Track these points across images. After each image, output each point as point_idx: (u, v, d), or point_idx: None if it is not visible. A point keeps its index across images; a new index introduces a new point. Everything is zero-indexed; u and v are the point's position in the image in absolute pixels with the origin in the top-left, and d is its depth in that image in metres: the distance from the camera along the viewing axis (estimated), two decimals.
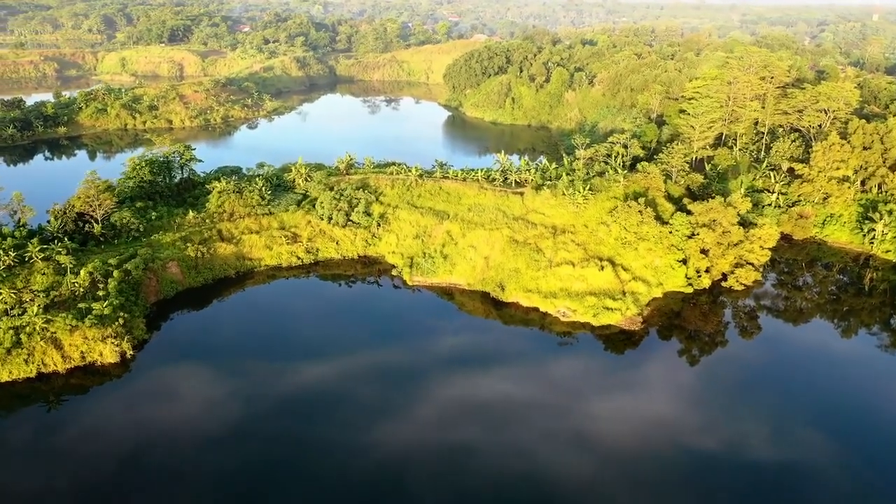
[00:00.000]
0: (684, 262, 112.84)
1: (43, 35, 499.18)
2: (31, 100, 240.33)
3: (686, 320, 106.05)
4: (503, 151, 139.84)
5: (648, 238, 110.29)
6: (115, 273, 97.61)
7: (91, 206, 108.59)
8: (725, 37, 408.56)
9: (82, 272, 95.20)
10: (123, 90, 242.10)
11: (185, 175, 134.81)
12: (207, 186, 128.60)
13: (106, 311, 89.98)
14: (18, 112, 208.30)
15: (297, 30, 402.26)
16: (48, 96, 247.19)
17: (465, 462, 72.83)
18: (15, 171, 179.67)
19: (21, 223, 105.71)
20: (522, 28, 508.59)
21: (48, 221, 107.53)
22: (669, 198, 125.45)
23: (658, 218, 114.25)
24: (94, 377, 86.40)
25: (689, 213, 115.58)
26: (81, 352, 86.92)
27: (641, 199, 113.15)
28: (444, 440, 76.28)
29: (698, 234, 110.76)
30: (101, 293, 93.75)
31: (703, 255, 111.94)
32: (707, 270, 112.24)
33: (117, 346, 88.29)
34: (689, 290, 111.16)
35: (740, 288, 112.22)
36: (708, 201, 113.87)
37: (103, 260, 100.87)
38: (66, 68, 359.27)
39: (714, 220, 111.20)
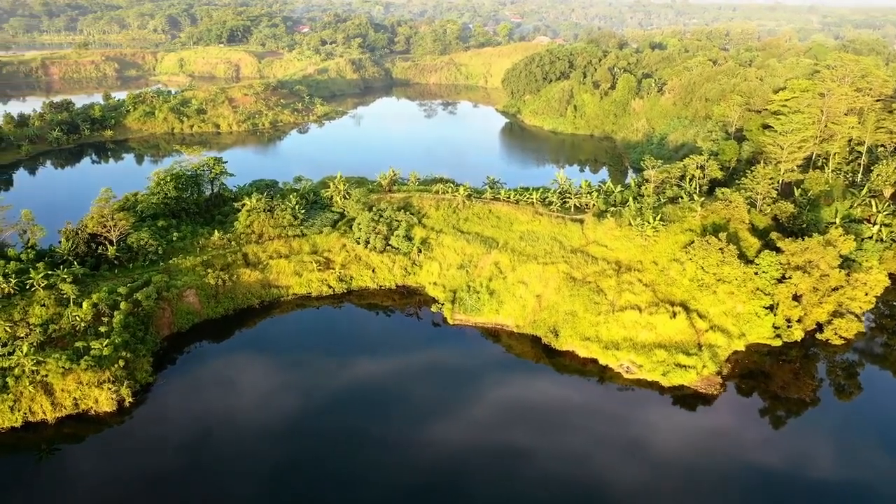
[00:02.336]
0: (771, 308, 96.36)
1: (110, 35, 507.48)
2: (91, 100, 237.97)
3: (775, 382, 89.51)
4: (563, 170, 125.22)
5: (730, 280, 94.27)
6: (123, 305, 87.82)
7: (105, 226, 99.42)
8: (806, 40, 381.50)
9: (85, 304, 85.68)
10: (172, 93, 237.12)
11: (214, 190, 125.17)
12: (236, 205, 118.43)
13: (105, 352, 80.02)
14: (66, 115, 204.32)
15: (355, 31, 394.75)
16: (118, 95, 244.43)
17: None
18: (57, 176, 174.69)
19: (29, 244, 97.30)
20: (587, 30, 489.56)
21: (60, 242, 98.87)
22: (754, 230, 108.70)
23: (741, 255, 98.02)
24: (86, 427, 76.37)
25: (778, 250, 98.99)
26: (74, 398, 77.14)
27: (723, 235, 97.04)
28: None
29: (790, 278, 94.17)
30: (103, 329, 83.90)
31: (795, 302, 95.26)
32: (799, 320, 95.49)
33: (115, 392, 78.13)
34: (778, 342, 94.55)
35: (839, 342, 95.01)
36: (804, 238, 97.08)
37: (112, 288, 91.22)
38: (126, 68, 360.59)
39: (810, 262, 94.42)
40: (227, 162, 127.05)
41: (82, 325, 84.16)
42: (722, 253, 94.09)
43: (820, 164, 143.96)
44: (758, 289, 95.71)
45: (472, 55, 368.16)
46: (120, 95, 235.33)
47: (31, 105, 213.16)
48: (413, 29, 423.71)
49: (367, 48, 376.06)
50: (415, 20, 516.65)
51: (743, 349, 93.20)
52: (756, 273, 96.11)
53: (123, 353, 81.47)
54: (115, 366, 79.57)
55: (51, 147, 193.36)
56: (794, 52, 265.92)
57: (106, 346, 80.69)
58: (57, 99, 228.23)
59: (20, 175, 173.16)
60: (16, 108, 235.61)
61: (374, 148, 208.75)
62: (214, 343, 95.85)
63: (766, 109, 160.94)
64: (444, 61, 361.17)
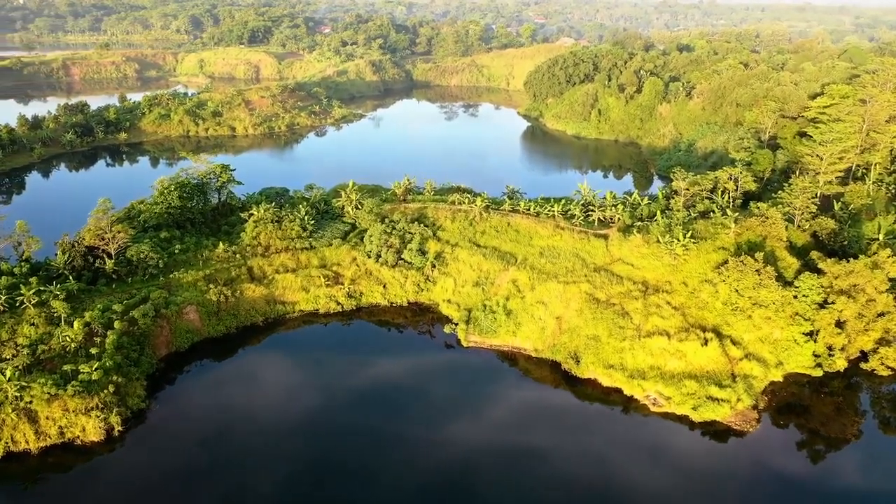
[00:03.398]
0: (811, 334, 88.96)
1: (133, 35, 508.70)
2: (110, 101, 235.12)
3: (816, 416, 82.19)
4: (585, 180, 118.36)
5: (767, 304, 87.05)
6: (117, 324, 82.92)
7: (103, 239, 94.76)
8: (839, 42, 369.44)
9: (76, 324, 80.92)
10: (189, 95, 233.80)
11: (222, 198, 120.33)
12: (242, 215, 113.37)
13: (95, 376, 75.08)
14: (81, 117, 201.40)
15: (376, 32, 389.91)
16: (134, 97, 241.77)
17: None
18: (67, 180, 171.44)
19: (24, 257, 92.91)
20: (612, 31, 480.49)
21: (56, 255, 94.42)
22: (791, 247, 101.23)
23: (779, 277, 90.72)
24: (72, 458, 71.46)
25: (819, 271, 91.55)
26: (60, 427, 72.23)
27: (759, 254, 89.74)
28: None
29: (833, 304, 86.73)
30: (94, 350, 79.01)
31: (838, 329, 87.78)
32: (842, 348, 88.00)
33: (103, 419, 73.16)
34: (818, 372, 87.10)
35: (886, 372, 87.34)
36: (847, 260, 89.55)
37: (107, 306, 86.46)
38: (147, 69, 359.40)
39: (855, 286, 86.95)
40: (234, 169, 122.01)
41: (72, 346, 79.38)
42: (759, 275, 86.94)
43: (860, 174, 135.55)
44: (797, 314, 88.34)
45: (494, 56, 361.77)
46: (137, 97, 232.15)
47: (51, 106, 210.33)
48: (435, 30, 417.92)
49: (387, 49, 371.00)
50: (437, 21, 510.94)
51: (780, 379, 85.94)
52: (795, 297, 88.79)
53: (114, 377, 76.43)
54: (105, 391, 74.58)
55: (64, 150, 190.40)
56: (827, 54, 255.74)
57: (96, 369, 75.72)
58: (72, 101, 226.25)
59: (30, 179, 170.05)
60: (35, 108, 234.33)
61: (391, 152, 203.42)
62: (214, 364, 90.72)
63: (802, 116, 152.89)
64: (466, 63, 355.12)
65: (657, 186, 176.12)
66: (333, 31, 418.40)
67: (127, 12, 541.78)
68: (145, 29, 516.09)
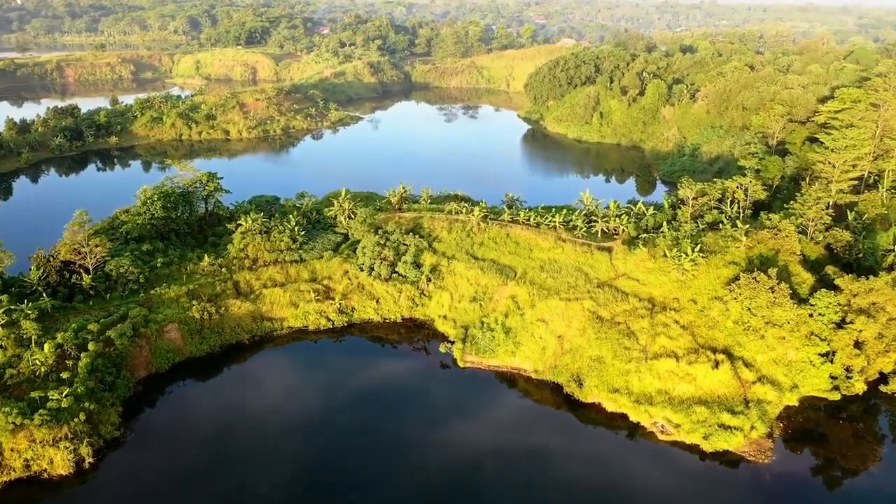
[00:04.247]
0: (827, 354, 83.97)
1: (131, 36, 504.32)
2: (104, 103, 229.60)
3: (834, 444, 77.21)
4: (588, 190, 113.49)
5: (781, 323, 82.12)
6: (91, 345, 78.09)
7: (80, 253, 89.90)
8: (844, 43, 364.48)
9: (47, 346, 76.09)
10: (183, 97, 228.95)
11: (209, 208, 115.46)
12: (229, 226, 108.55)
13: (65, 403, 70.25)
14: (71, 120, 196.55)
15: (375, 32, 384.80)
16: (126, 98, 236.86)
17: None
18: (54, 186, 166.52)
19: None
20: (613, 32, 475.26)
21: (30, 269, 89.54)
22: (805, 261, 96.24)
23: (793, 293, 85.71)
24: (37, 492, 66.61)
25: (835, 287, 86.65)
26: (25, 459, 67.39)
27: (773, 271, 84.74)
28: None
29: (852, 323, 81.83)
30: (65, 375, 74.16)
31: (857, 350, 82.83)
32: (861, 370, 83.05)
33: (73, 451, 68.33)
34: (836, 396, 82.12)
35: None
36: (868, 278, 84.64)
37: (81, 325, 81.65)
38: (143, 70, 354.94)
39: (875, 304, 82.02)
40: (222, 178, 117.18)
41: (42, 370, 74.58)
42: (772, 293, 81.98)
43: (871, 181, 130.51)
44: (813, 333, 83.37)
45: (494, 58, 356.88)
46: (129, 99, 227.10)
47: (44, 108, 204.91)
48: (434, 31, 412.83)
49: (386, 50, 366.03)
50: (437, 21, 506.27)
51: (796, 404, 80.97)
52: (811, 315, 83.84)
53: (87, 404, 71.64)
54: (76, 420, 69.76)
55: (52, 154, 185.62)
56: (833, 55, 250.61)
57: (66, 396, 70.91)
58: (66, 102, 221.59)
59: (15, 186, 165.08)
60: (28, 111, 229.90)
61: (387, 156, 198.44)
62: (196, 385, 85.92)
63: (812, 120, 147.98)
64: (466, 64, 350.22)
65: (661, 191, 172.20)
66: (332, 31, 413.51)
67: (124, 13, 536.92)
68: (143, 30, 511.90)
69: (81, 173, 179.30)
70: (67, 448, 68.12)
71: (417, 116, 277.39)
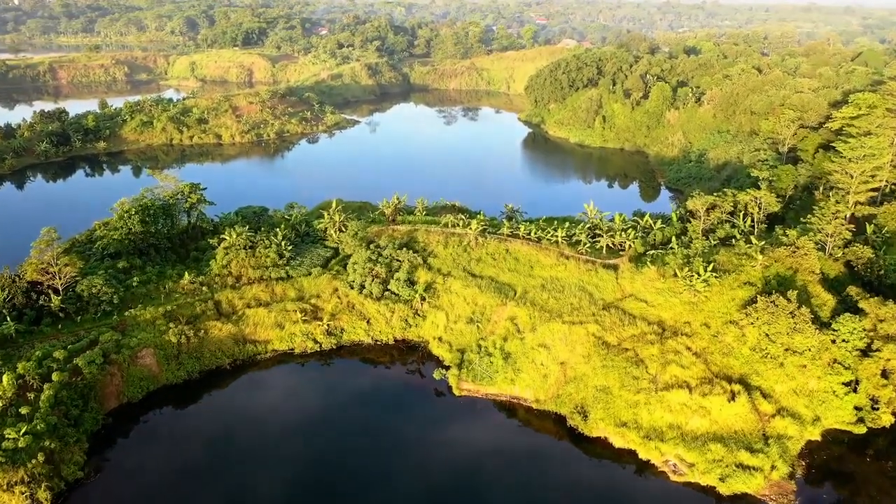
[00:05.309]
0: (849, 384, 77.93)
1: (127, 37, 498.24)
2: (98, 106, 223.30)
3: (861, 485, 71.04)
4: (592, 202, 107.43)
5: (802, 350, 76.02)
6: (56, 375, 72.09)
7: (48, 273, 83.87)
8: (850, 44, 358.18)
9: (6, 377, 70.11)
10: (174, 101, 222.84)
11: (191, 220, 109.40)
12: (211, 241, 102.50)
13: (22, 443, 64.30)
14: (58, 124, 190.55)
15: (374, 33, 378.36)
16: (116, 101, 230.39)
17: None
18: (36, 194, 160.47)
19: None
20: (615, 33, 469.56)
21: None
22: (824, 279, 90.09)
23: (814, 318, 79.52)
24: None
25: (859, 311, 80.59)
26: None
27: (793, 293, 78.53)
28: None
29: (879, 351, 75.75)
30: (25, 410, 68.15)
31: (884, 380, 76.72)
32: (888, 401, 76.89)
33: (29, 496, 62.28)
34: (861, 429, 76.04)
35: None
36: (888, 300, 78.48)
37: (46, 352, 75.69)
38: (137, 72, 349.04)
39: None
40: (206, 188, 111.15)
41: (0, 404, 68.49)
42: (793, 318, 75.87)
43: (888, 189, 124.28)
44: (836, 361, 77.41)
45: (494, 59, 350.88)
46: (122, 102, 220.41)
47: (34, 110, 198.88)
48: (434, 31, 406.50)
49: (385, 52, 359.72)
50: (436, 22, 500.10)
51: (818, 438, 74.88)
52: (833, 341, 77.81)
53: (47, 443, 65.70)
54: (34, 461, 63.82)
55: (38, 160, 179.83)
56: (840, 57, 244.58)
57: (24, 434, 64.94)
58: (59, 105, 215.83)
59: None
60: (20, 113, 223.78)
61: (383, 161, 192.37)
62: (171, 416, 79.83)
63: (824, 126, 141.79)
64: (465, 66, 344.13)
65: (665, 196, 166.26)
66: (330, 32, 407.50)
67: (122, 13, 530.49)
68: (139, 30, 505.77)
69: (67, 180, 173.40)
70: (24, 493, 62.15)
71: (416, 119, 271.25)
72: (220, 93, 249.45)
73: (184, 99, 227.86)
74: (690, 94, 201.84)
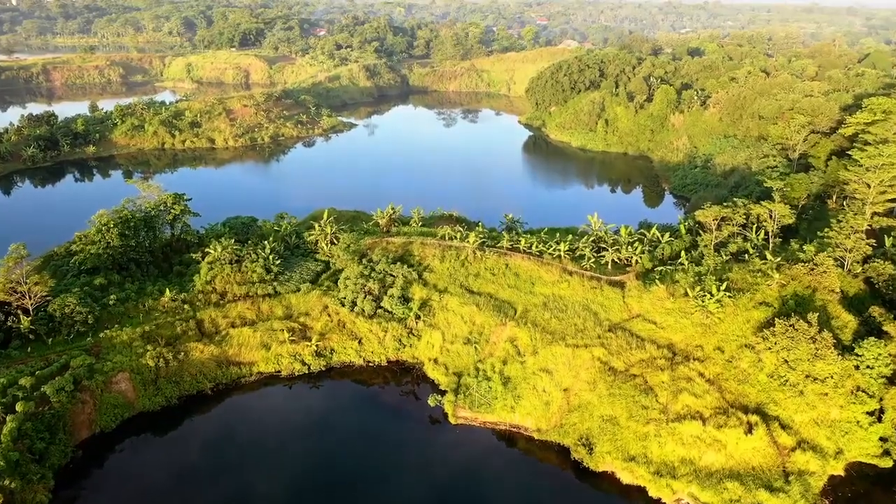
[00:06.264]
0: (873, 412, 72.66)
1: (124, 38, 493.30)
2: (87, 108, 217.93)
3: None
4: (596, 214, 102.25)
5: (823, 378, 70.75)
6: (20, 406, 66.89)
7: (17, 292, 78.69)
8: (855, 45, 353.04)
9: None
10: (166, 104, 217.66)
11: (175, 233, 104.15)
12: (193, 256, 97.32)
13: None
14: (46, 128, 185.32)
15: (372, 34, 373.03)
16: (111, 103, 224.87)
17: None
18: (19, 202, 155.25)
19: None
20: (617, 33, 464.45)
21: None
22: (843, 298, 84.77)
23: (836, 341, 74.19)
24: None
25: (883, 333, 75.30)
26: None
27: (813, 316, 73.16)
28: None
29: None
30: None
31: None
32: None
33: None
34: (887, 462, 70.73)
35: None
36: None
37: (12, 380, 70.48)
38: (132, 74, 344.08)
39: None
40: (190, 199, 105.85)
41: None
42: (814, 343, 70.57)
43: None
44: (859, 388, 72.13)
45: (494, 61, 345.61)
46: (110, 106, 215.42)
47: (25, 113, 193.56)
48: (433, 32, 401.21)
49: (384, 53, 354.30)
50: (436, 22, 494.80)
51: (842, 473, 69.59)
52: (857, 367, 72.53)
53: (7, 482, 60.49)
54: None
55: (25, 166, 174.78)
56: (847, 58, 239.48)
57: None
58: (48, 108, 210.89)
59: None
60: (5, 118, 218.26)
61: (380, 166, 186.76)
62: (147, 446, 74.58)
63: (837, 132, 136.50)
64: (465, 67, 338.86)
65: (670, 202, 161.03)
66: (328, 33, 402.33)
67: (119, 14, 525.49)
68: (137, 31, 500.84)
69: (54, 186, 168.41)
70: None
71: (414, 122, 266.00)
72: (215, 95, 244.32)
73: (177, 102, 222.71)
74: (695, 98, 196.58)
